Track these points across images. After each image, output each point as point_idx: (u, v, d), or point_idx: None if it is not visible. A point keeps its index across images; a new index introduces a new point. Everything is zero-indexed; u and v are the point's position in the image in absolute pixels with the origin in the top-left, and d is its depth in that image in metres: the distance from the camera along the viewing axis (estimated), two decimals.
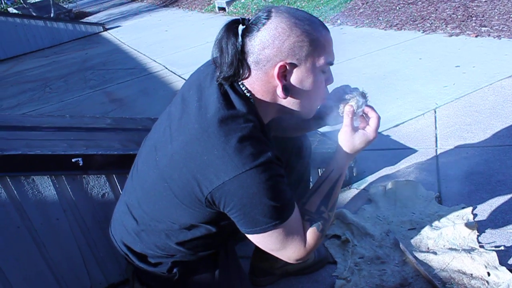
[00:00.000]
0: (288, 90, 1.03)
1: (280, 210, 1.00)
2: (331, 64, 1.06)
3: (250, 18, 1.03)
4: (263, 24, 0.99)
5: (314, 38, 1.00)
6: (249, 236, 1.05)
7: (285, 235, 1.04)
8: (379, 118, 1.10)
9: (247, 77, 1.03)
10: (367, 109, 1.11)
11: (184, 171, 1.00)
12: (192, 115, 1.03)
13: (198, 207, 1.02)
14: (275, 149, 1.02)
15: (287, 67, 1.00)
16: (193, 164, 0.98)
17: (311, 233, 1.09)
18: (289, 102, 1.05)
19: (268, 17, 0.99)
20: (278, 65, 0.99)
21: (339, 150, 1.13)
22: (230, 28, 1.00)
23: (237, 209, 0.98)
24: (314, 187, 1.16)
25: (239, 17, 1.03)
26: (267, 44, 0.98)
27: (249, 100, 1.03)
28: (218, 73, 1.04)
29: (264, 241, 1.05)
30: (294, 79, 1.02)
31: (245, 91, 1.04)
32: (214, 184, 0.95)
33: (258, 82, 1.03)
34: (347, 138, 1.11)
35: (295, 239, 1.06)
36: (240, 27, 1.02)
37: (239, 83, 1.04)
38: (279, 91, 1.02)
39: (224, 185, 0.94)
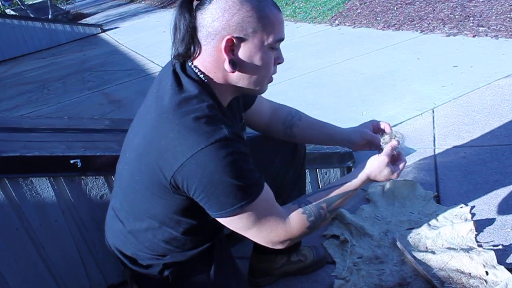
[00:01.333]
0: (236, 64, 1.02)
1: (244, 189, 0.97)
2: (281, 40, 1.06)
3: None
4: None
5: (263, 15, 1.00)
6: (220, 220, 1.03)
7: (257, 216, 1.02)
8: (405, 164, 1.19)
9: (198, 56, 1.03)
10: (401, 153, 1.20)
11: (148, 160, 1.00)
12: (150, 107, 1.05)
13: (167, 195, 1.02)
14: (237, 128, 1.01)
15: (234, 41, 1.00)
16: (153, 151, 0.98)
17: (298, 217, 1.07)
18: (238, 78, 1.05)
19: None
20: (225, 38, 0.99)
21: (365, 170, 1.16)
22: (184, 4, 1.00)
23: (200, 191, 0.96)
24: (324, 187, 1.16)
25: None
26: (217, 16, 0.98)
27: (203, 82, 1.04)
28: (172, 52, 1.04)
29: (235, 223, 1.02)
30: (241, 54, 1.02)
31: (198, 73, 1.04)
32: (174, 167, 0.95)
33: (209, 59, 1.03)
34: (379, 166, 1.15)
35: (269, 220, 1.04)
36: (195, 2, 1.02)
37: (192, 66, 1.04)
38: (226, 65, 1.02)
39: (183, 166, 0.93)
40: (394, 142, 1.18)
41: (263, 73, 1.07)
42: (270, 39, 1.03)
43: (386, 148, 1.16)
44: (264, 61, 1.04)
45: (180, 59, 1.05)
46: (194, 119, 0.95)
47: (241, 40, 1.00)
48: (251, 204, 0.99)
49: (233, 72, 1.03)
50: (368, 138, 1.34)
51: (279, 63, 1.11)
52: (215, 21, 0.98)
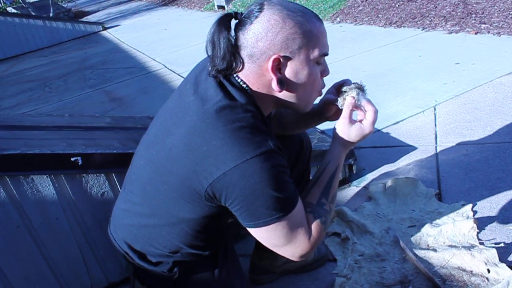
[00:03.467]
0: (283, 83, 1.02)
1: (283, 201, 0.98)
2: (326, 55, 1.05)
3: (242, 12, 1.03)
4: (256, 17, 0.99)
5: (307, 30, 0.99)
6: (252, 231, 1.03)
7: (289, 229, 1.02)
8: (376, 111, 1.11)
9: (240, 70, 1.03)
10: (364, 103, 1.12)
11: (184, 164, 0.98)
12: (189, 108, 1.02)
13: (197, 201, 1.01)
14: (277, 140, 1.01)
15: (281, 60, 0.99)
16: (193, 156, 0.96)
17: (314, 226, 1.07)
18: (285, 95, 1.05)
19: (260, 10, 0.99)
20: (272, 58, 0.98)
21: (334, 141, 1.14)
22: (222, 22, 1.00)
23: (239, 201, 0.96)
24: (313, 180, 1.15)
25: (231, 11, 1.03)
26: (260, 36, 0.98)
27: (246, 91, 1.03)
28: (210, 67, 1.03)
29: (268, 235, 1.02)
30: (288, 72, 1.01)
31: (241, 83, 1.03)
32: (214, 176, 0.94)
33: (253, 75, 1.02)
34: (343, 130, 1.11)
35: (299, 233, 1.04)
36: (233, 21, 1.02)
37: (234, 75, 1.04)
38: (274, 84, 1.01)
39: (225, 175, 0.93)
40: (348, 100, 1.12)
41: (310, 89, 1.06)
42: (316, 53, 1.02)
43: (343, 109, 1.12)
44: (311, 77, 1.04)
45: (221, 74, 1.03)
46: (239, 128, 0.94)
47: (287, 58, 1.00)
48: (287, 216, 1.00)
49: (280, 91, 1.03)
50: (332, 103, 1.23)
51: (325, 76, 1.10)
52: (259, 41, 0.98)
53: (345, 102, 1.13)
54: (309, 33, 1.00)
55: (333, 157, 1.14)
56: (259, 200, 0.95)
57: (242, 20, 1.01)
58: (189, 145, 0.98)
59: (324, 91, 1.18)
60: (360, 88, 1.13)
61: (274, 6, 0.99)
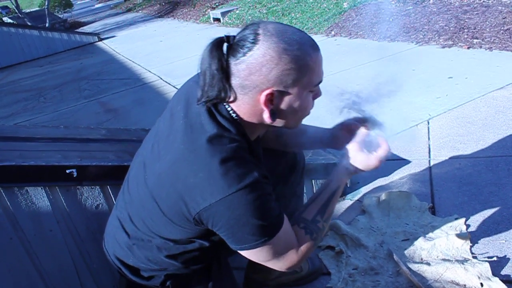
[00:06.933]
0: (275, 114, 1.02)
1: (268, 228, 1.00)
2: (320, 83, 1.05)
3: (235, 36, 1.00)
4: (249, 49, 0.95)
5: (303, 64, 0.97)
6: (240, 252, 1.06)
7: (276, 249, 1.04)
8: (387, 150, 1.15)
9: (232, 101, 1.01)
10: (380, 139, 1.16)
11: (171, 191, 1.00)
12: (178, 134, 1.03)
13: (187, 225, 1.03)
14: (263, 167, 1.02)
15: (274, 94, 0.98)
16: (180, 185, 0.98)
17: (304, 241, 1.10)
18: (276, 122, 1.05)
19: (255, 41, 0.95)
20: (265, 92, 0.97)
21: (341, 161, 1.16)
22: (214, 49, 0.97)
23: (225, 229, 0.99)
24: (313, 196, 1.17)
25: (223, 36, 1.00)
26: (254, 70, 0.95)
27: (235, 121, 1.02)
28: (199, 95, 1.02)
29: (255, 255, 1.05)
30: (281, 104, 1.01)
31: (230, 112, 1.02)
32: (201, 206, 0.96)
33: (244, 106, 1.01)
34: (351, 152, 1.14)
35: (286, 249, 1.06)
36: (225, 45, 0.98)
37: (224, 104, 1.03)
38: (266, 116, 1.01)
39: (211, 207, 0.95)
40: (362, 129, 1.18)
41: (301, 114, 1.07)
42: (310, 85, 1.01)
43: (356, 136, 1.16)
44: (304, 105, 1.04)
45: (211, 103, 1.01)
46: (225, 160, 0.95)
47: (281, 92, 0.99)
48: (272, 239, 1.02)
49: (272, 122, 1.03)
50: (346, 125, 1.28)
51: (317, 98, 1.10)
52: (252, 74, 0.95)
53: (360, 130, 1.18)
54: (304, 67, 0.97)
55: (336, 177, 1.17)
56: (244, 228, 0.98)
57: (235, 47, 0.97)
58: (176, 173, 0.99)
59: (318, 108, 1.20)
60: (379, 124, 1.21)
61: (270, 38, 0.95)
